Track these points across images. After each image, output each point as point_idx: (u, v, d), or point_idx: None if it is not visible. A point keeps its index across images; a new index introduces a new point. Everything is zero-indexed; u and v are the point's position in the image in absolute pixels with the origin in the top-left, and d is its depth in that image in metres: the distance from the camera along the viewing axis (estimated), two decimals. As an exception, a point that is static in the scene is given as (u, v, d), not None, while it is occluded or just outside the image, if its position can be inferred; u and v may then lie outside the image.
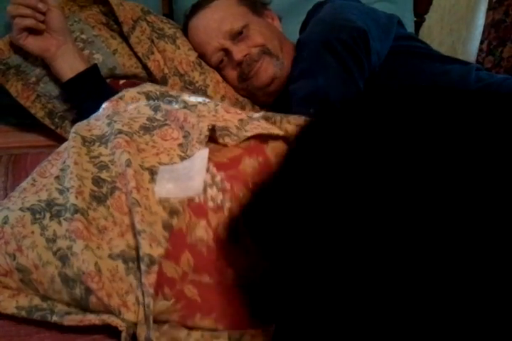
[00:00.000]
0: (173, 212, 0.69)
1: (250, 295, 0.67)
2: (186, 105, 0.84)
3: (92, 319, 0.66)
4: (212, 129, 0.75)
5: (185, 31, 1.19)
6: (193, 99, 0.86)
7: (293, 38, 1.21)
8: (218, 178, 0.72)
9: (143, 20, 1.12)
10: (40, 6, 0.95)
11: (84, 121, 0.84)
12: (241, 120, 0.81)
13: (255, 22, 1.14)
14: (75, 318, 0.66)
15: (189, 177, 0.71)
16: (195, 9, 1.16)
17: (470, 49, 1.74)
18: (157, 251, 0.66)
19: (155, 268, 0.65)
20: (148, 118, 0.80)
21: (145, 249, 0.66)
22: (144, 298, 0.65)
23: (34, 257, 0.67)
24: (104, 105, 0.87)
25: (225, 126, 0.78)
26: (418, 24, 1.62)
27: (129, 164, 0.72)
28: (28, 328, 0.67)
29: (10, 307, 0.67)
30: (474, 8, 1.70)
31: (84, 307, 0.67)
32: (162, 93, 0.86)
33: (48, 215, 0.70)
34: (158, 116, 0.80)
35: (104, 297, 0.65)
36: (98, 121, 0.83)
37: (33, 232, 0.69)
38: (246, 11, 1.15)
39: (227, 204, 0.70)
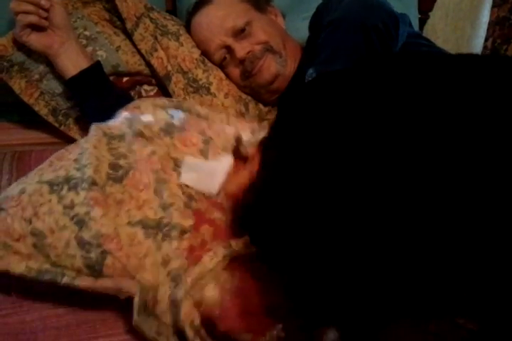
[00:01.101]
0: (191, 197, 0.73)
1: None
2: (199, 116, 0.85)
3: (104, 282, 0.66)
4: (238, 139, 0.76)
5: (187, 28, 1.18)
6: (206, 110, 0.87)
7: (297, 35, 1.21)
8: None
9: (146, 16, 1.12)
10: (43, 2, 0.95)
11: (103, 123, 0.85)
12: (253, 130, 0.83)
13: (258, 19, 1.13)
14: (87, 280, 0.66)
15: (211, 175, 0.75)
16: (198, 6, 1.16)
17: (474, 46, 1.73)
18: (188, 222, 0.70)
19: (187, 235, 0.69)
20: (166, 124, 0.81)
21: (177, 219, 0.69)
22: (169, 260, 0.67)
23: (51, 222, 0.69)
24: (121, 113, 0.87)
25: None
26: (422, 21, 1.61)
27: (153, 153, 0.75)
28: (32, 326, 0.68)
29: (19, 268, 0.67)
30: (479, 5, 1.68)
31: (97, 273, 0.67)
32: (176, 105, 0.87)
33: (65, 187, 0.71)
34: (176, 121, 0.81)
35: (122, 257, 0.66)
36: (116, 123, 0.83)
37: (50, 200, 0.70)
38: (249, 8, 1.14)
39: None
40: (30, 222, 0.69)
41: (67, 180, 0.72)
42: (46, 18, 0.97)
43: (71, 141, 1.06)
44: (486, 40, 1.75)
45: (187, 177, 0.75)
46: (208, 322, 0.65)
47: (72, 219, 0.68)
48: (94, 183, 0.70)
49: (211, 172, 0.75)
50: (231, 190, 0.71)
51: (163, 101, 0.89)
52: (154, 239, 0.68)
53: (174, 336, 0.65)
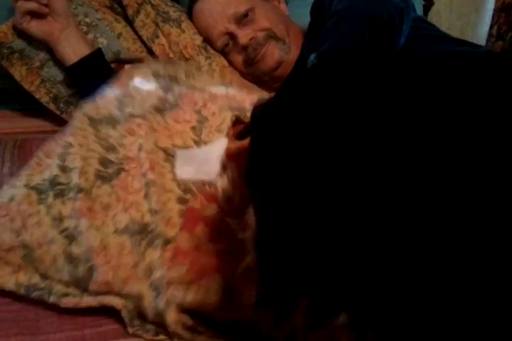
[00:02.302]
0: (186, 190, 0.71)
1: None
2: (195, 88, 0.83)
3: (89, 301, 0.67)
4: (236, 120, 0.75)
5: (189, 15, 1.17)
6: (202, 83, 0.85)
7: (300, 21, 1.19)
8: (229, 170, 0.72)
9: (147, 3, 1.11)
10: (43, -11, 0.94)
11: (90, 101, 0.84)
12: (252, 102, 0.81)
13: (261, 5, 1.12)
14: (71, 301, 0.67)
15: (207, 161, 0.73)
16: (201, -8, 1.14)
17: (479, 33, 1.71)
18: (172, 233, 0.67)
19: (170, 246, 0.67)
20: (159, 99, 0.79)
21: (161, 228, 0.67)
22: (152, 272, 0.66)
23: (39, 235, 0.69)
24: (114, 88, 0.85)
25: (241, 106, 0.78)
26: (427, 8, 1.60)
27: (140, 148, 0.72)
28: (36, 313, 0.68)
29: (9, 283, 0.68)
30: (484, -9, 1.67)
31: (84, 288, 0.67)
32: (171, 76, 0.85)
33: (51, 194, 0.71)
34: (170, 97, 0.79)
35: (109, 271, 0.66)
36: (103, 100, 0.82)
37: (39, 212, 0.70)
38: (251, -6, 1.13)
39: (237, 197, 0.70)
40: (19, 234, 0.69)
41: (52, 183, 0.71)
42: (46, 5, 0.96)
43: (72, 128, 1.05)
44: (491, 27, 1.73)
45: (183, 172, 0.73)
46: (206, 315, 0.65)
47: (61, 232, 0.68)
48: (80, 191, 0.69)
49: (206, 159, 0.73)
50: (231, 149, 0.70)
51: (158, 69, 0.85)
52: (139, 247, 0.67)
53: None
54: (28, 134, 1.13)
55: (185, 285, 0.65)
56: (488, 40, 1.77)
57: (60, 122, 1.12)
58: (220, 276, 0.66)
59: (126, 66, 1.11)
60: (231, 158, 0.71)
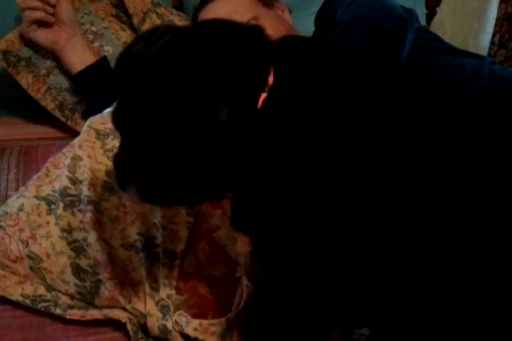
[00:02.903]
0: None
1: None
2: None
3: (94, 314, 0.67)
4: None
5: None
6: None
7: (304, 31, 1.20)
8: None
9: (153, 12, 1.12)
10: (50, -2, 0.95)
11: (98, 115, 0.85)
12: None
13: (265, 14, 1.13)
14: (77, 313, 0.67)
15: None
16: (205, 1, 1.15)
17: (482, 42, 1.72)
18: (179, 247, 0.68)
19: (177, 262, 0.67)
20: None
21: (168, 244, 0.67)
22: (158, 289, 0.65)
23: (47, 246, 0.69)
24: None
25: None
26: (429, 17, 1.60)
27: None
28: (41, 319, 0.68)
29: (15, 293, 0.69)
30: (486, 1, 1.67)
31: (89, 301, 0.67)
32: None
33: (61, 205, 0.71)
34: None
35: (116, 286, 0.66)
36: (110, 114, 0.83)
37: (48, 222, 0.70)
38: (256, 3, 1.14)
39: None
40: (27, 244, 0.69)
41: (62, 194, 0.71)
42: (53, 14, 0.97)
43: (77, 135, 1.06)
44: (494, 35, 1.74)
45: None
46: None
47: (69, 244, 0.68)
48: (90, 203, 0.69)
49: None
50: None
51: None
52: (145, 263, 0.67)
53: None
54: (33, 141, 1.14)
55: (189, 315, 0.66)
56: (490, 48, 1.77)
57: (65, 129, 1.13)
58: (218, 315, 0.67)
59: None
60: None
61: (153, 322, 0.65)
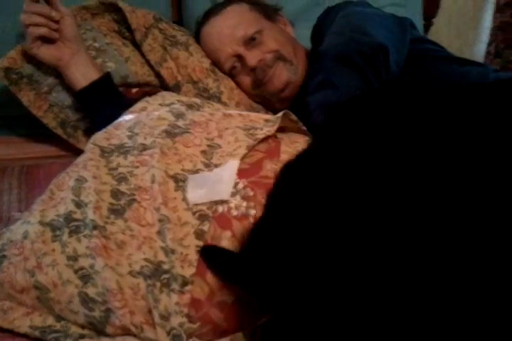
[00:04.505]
0: (202, 216, 0.68)
1: None
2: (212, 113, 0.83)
3: None
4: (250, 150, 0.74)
5: (197, 38, 1.17)
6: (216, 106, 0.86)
7: (304, 43, 1.20)
8: (241, 186, 0.70)
9: (155, 27, 1.12)
10: (54, 14, 0.94)
11: (103, 130, 0.83)
12: (266, 120, 0.81)
13: (268, 27, 1.13)
14: None
15: (219, 181, 0.70)
16: (208, 16, 1.15)
17: (478, 51, 1.73)
18: (189, 272, 0.65)
19: (188, 287, 0.64)
20: (170, 125, 0.79)
21: (178, 269, 0.64)
22: (169, 318, 0.63)
23: (54, 275, 0.66)
24: (126, 116, 0.85)
25: (254, 126, 0.79)
26: (426, 27, 1.62)
27: (154, 180, 0.70)
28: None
29: (23, 325, 0.66)
30: (481, 10, 1.69)
31: (101, 330, 0.65)
32: (188, 105, 0.85)
33: (66, 231, 0.69)
34: (180, 123, 0.79)
35: (126, 315, 0.64)
36: (117, 131, 0.81)
37: (53, 250, 0.68)
38: (259, 17, 1.14)
39: (252, 212, 0.69)
40: (33, 274, 0.67)
41: (67, 219, 0.69)
42: (56, 30, 0.96)
43: (79, 153, 1.04)
44: (489, 44, 1.76)
45: (195, 196, 0.70)
46: None
47: (76, 272, 0.66)
48: (95, 227, 0.67)
49: (218, 179, 0.71)
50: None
51: (171, 100, 0.86)
52: (154, 290, 0.64)
53: None
54: (35, 160, 1.12)
55: None
56: (486, 57, 1.79)
57: (66, 147, 1.12)
58: None
59: (134, 90, 1.12)
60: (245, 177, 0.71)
61: None
